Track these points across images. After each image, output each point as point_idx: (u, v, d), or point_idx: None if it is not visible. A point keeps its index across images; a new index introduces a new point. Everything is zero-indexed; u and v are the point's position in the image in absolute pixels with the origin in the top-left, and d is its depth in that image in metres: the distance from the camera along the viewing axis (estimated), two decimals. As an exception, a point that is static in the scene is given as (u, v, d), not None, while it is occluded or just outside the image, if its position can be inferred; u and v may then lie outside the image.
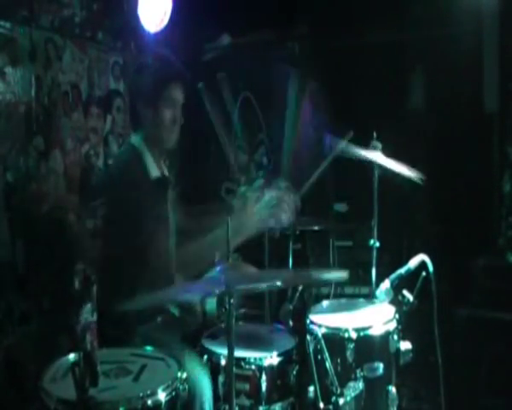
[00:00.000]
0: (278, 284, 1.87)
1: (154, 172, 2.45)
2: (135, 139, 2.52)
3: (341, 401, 2.23)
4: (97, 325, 1.52)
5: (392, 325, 2.46)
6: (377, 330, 2.42)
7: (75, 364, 1.49)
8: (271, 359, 2.27)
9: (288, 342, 2.39)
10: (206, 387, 2.18)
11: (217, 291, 1.84)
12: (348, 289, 3.72)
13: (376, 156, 2.66)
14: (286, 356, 2.31)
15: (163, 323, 2.44)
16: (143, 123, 2.48)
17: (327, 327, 2.42)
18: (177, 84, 2.46)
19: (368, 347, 2.41)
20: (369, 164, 2.76)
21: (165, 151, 2.55)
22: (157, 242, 2.33)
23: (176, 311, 2.50)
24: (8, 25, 2.80)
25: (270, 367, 2.26)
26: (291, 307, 2.36)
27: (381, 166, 2.69)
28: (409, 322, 2.54)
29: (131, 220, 2.26)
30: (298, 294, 2.34)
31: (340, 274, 2.12)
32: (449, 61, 3.94)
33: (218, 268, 2.17)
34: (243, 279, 1.95)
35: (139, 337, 2.24)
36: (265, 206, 2.32)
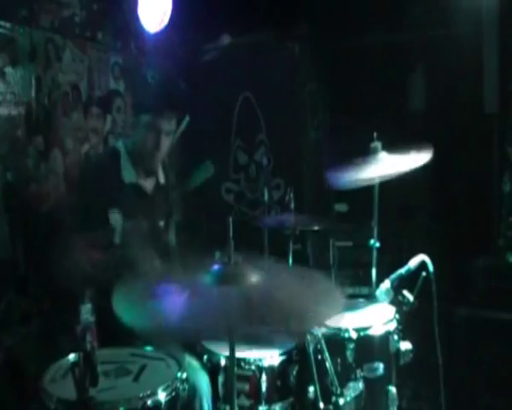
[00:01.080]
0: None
1: (129, 177, 2.47)
2: (120, 143, 2.56)
3: (341, 401, 2.23)
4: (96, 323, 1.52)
5: (392, 325, 2.46)
6: (377, 330, 2.42)
7: (75, 364, 1.49)
8: (271, 359, 2.27)
9: (288, 343, 2.39)
10: (206, 390, 2.19)
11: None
12: (348, 289, 3.72)
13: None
14: (286, 356, 2.31)
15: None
16: (133, 132, 2.53)
17: (327, 327, 2.42)
18: (167, 114, 2.43)
19: (368, 347, 2.41)
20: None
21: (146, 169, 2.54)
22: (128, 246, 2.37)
23: None
24: (8, 25, 2.80)
25: (270, 367, 2.26)
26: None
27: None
28: (409, 322, 2.54)
29: (94, 209, 2.32)
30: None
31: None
32: (449, 61, 3.94)
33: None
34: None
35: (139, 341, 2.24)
36: None
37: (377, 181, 2.73)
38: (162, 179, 2.62)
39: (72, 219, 2.41)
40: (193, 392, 2.14)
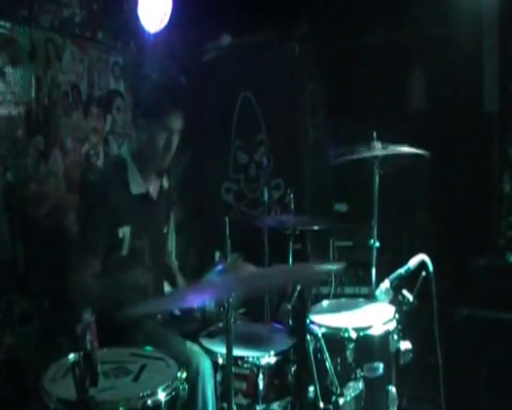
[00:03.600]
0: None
1: (137, 188, 2.42)
2: (124, 150, 2.53)
3: (341, 401, 2.23)
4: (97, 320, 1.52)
5: (392, 325, 2.46)
6: (377, 330, 2.42)
7: (75, 364, 1.49)
8: (269, 358, 2.27)
9: (286, 342, 2.39)
10: (209, 374, 2.18)
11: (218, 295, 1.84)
12: (348, 289, 3.72)
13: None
14: (283, 355, 2.31)
15: (163, 320, 2.45)
16: (138, 135, 2.49)
17: (327, 327, 2.42)
18: (176, 112, 2.40)
19: (368, 347, 2.41)
20: (370, 163, 2.76)
21: (156, 170, 2.51)
22: (138, 257, 2.38)
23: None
24: (8, 25, 2.80)
25: (268, 366, 2.25)
26: (290, 306, 2.36)
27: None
28: (409, 322, 2.54)
29: (104, 229, 2.29)
30: (297, 293, 2.34)
31: (337, 266, 2.11)
32: (449, 61, 3.94)
33: (218, 268, 2.18)
34: (243, 280, 1.94)
35: (140, 334, 2.24)
36: None
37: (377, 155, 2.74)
38: (166, 183, 2.60)
39: (81, 238, 2.37)
40: (196, 376, 2.13)
